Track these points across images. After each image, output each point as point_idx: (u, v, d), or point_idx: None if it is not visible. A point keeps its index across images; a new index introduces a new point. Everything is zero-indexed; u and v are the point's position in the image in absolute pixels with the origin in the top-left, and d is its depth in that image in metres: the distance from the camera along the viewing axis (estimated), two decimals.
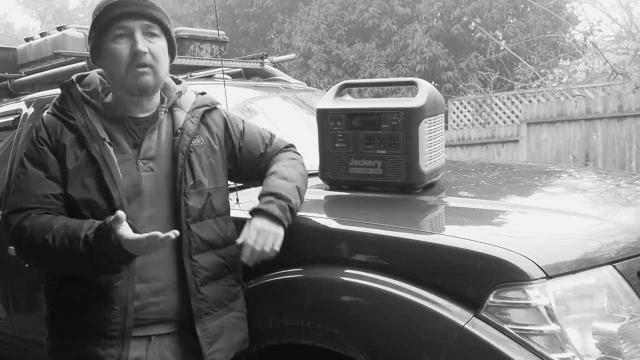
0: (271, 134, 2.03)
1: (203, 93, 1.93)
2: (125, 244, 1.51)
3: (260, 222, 1.73)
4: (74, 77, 1.82)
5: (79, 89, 1.77)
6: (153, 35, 1.71)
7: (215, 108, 1.91)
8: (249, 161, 1.95)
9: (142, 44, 1.68)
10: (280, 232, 1.74)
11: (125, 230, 1.51)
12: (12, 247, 2.57)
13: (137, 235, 1.50)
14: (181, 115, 1.81)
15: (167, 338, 1.74)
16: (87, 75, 1.84)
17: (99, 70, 1.83)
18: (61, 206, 1.69)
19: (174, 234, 1.49)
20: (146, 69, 1.69)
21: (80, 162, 1.68)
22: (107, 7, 1.69)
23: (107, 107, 1.75)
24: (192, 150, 1.77)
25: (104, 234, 1.53)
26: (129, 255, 1.55)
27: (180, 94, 1.85)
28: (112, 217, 1.52)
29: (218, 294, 1.77)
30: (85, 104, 1.75)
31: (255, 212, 1.76)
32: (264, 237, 1.71)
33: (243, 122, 1.99)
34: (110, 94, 1.79)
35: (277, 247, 1.73)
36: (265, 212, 1.74)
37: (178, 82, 1.90)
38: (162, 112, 1.79)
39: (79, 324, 1.69)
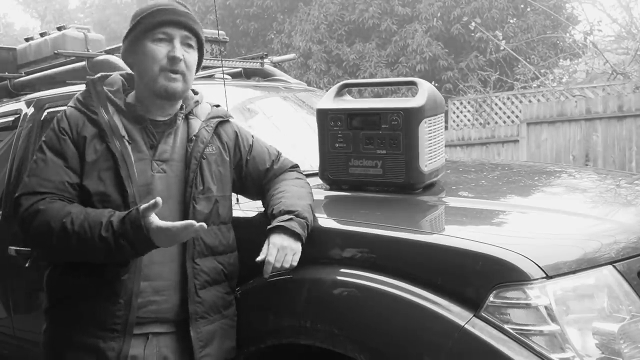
0: (278, 152, 2.07)
1: (217, 105, 2.00)
2: (154, 232, 1.54)
3: (280, 239, 1.75)
4: (98, 75, 1.89)
5: (104, 87, 1.84)
6: (190, 46, 1.81)
7: (228, 121, 1.97)
8: (253, 175, 1.99)
9: (180, 51, 1.77)
10: (299, 247, 1.77)
11: (155, 218, 1.55)
12: (12, 247, 2.57)
13: (169, 224, 1.54)
14: (196, 123, 1.87)
15: (165, 337, 1.76)
16: (110, 75, 1.90)
17: (122, 72, 1.91)
18: (75, 196, 1.73)
19: (205, 225, 1.54)
20: (178, 76, 1.77)
21: (99, 155, 1.74)
22: (155, 12, 1.77)
23: (128, 107, 1.81)
24: (204, 157, 1.83)
25: (134, 220, 1.57)
26: (151, 244, 1.58)
27: (197, 103, 1.92)
28: (145, 205, 1.55)
29: (214, 299, 1.80)
30: (108, 102, 1.81)
31: (274, 228, 1.78)
32: (283, 253, 1.74)
33: (252, 137, 2.04)
34: (130, 95, 1.85)
35: (294, 263, 1.75)
36: (287, 229, 1.76)
37: (195, 92, 1.96)
38: (180, 118, 1.85)
39: (80, 315, 1.72)
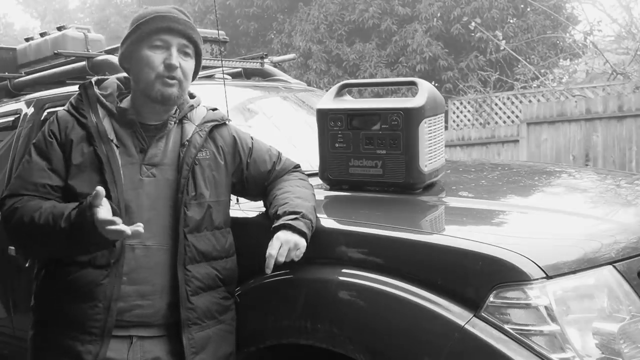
0: (279, 153, 2.07)
1: (215, 109, 1.99)
2: (100, 223, 1.54)
3: (284, 235, 1.75)
4: (92, 79, 1.90)
5: (96, 90, 1.85)
6: (187, 54, 1.81)
7: (224, 124, 1.96)
8: (255, 177, 1.98)
9: (176, 59, 1.77)
10: (303, 244, 1.76)
11: (101, 210, 1.54)
12: (12, 247, 2.57)
13: (107, 217, 1.53)
14: (190, 128, 1.87)
15: (151, 341, 1.75)
16: (107, 79, 1.91)
17: (118, 75, 1.92)
18: (57, 198, 1.74)
19: (139, 227, 1.53)
20: (174, 82, 1.77)
21: (85, 158, 1.74)
22: (154, 18, 1.78)
23: (120, 111, 1.82)
24: (197, 162, 1.82)
25: (82, 210, 1.58)
26: (102, 237, 1.57)
27: (192, 107, 1.91)
28: (92, 194, 1.55)
29: (208, 305, 1.80)
30: (99, 106, 1.82)
31: (280, 226, 1.77)
32: (287, 247, 1.73)
33: (252, 139, 2.03)
34: (126, 99, 1.86)
35: (296, 259, 1.74)
36: (294, 226, 1.76)
37: (192, 97, 1.96)
38: (172, 122, 1.85)
39: (61, 316, 1.73)
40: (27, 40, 3.77)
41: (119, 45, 1.93)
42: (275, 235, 1.75)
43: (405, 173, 2.11)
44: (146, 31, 1.77)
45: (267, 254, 1.71)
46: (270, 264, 1.70)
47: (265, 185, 2.00)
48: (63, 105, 1.91)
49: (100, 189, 1.53)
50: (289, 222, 1.76)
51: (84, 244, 1.64)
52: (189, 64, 1.82)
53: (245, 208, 2.06)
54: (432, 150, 2.20)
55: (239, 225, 1.94)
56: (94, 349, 1.67)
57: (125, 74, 1.91)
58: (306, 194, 1.93)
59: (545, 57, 12.02)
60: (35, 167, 1.75)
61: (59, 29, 3.56)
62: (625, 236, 1.75)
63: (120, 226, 1.53)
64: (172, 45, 1.77)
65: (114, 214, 1.60)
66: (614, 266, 1.61)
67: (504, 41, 11.17)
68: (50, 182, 1.73)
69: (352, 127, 2.18)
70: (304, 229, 1.76)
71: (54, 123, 1.81)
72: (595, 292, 1.59)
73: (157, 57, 1.76)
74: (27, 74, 3.46)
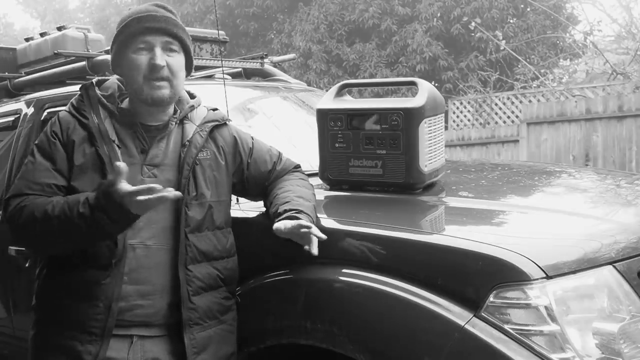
0: (279, 153, 2.07)
1: (215, 109, 1.99)
2: (126, 196, 1.53)
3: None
4: (93, 80, 1.90)
5: (97, 92, 1.85)
6: (172, 50, 1.80)
7: (225, 124, 1.96)
8: (255, 177, 1.98)
9: (160, 58, 1.76)
10: None
11: (124, 184, 1.54)
12: (12, 247, 2.57)
13: (136, 187, 1.53)
14: (191, 128, 1.87)
15: (152, 341, 1.75)
16: (108, 79, 1.91)
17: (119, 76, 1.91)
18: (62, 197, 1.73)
19: (174, 195, 1.52)
20: (163, 83, 1.77)
21: (87, 159, 1.75)
22: (132, 21, 1.78)
23: (121, 112, 1.82)
24: (197, 162, 1.82)
25: (104, 189, 1.56)
26: (126, 211, 1.56)
27: (192, 107, 1.91)
28: (112, 174, 1.54)
29: (210, 305, 1.79)
30: (100, 106, 1.82)
31: (283, 219, 1.76)
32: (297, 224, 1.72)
33: (252, 139, 2.03)
34: (126, 99, 1.86)
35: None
36: (297, 219, 1.74)
37: (193, 97, 1.96)
38: (173, 123, 1.85)
39: (62, 316, 1.72)
40: (27, 40, 3.77)
41: None
42: (285, 221, 1.73)
43: (405, 173, 2.11)
44: (127, 35, 1.78)
45: (308, 230, 1.69)
46: (313, 235, 1.69)
47: (266, 185, 2.00)
48: (63, 105, 1.91)
49: (122, 164, 1.53)
50: (292, 214, 1.76)
51: (105, 226, 1.60)
52: (177, 60, 1.80)
53: (245, 208, 2.06)
54: (432, 150, 2.20)
55: (239, 225, 1.94)
56: (94, 349, 1.67)
57: None
58: (307, 194, 1.93)
59: (545, 57, 12.03)
60: (40, 168, 1.75)
61: (59, 29, 3.56)
62: (625, 236, 1.75)
63: (159, 192, 1.51)
64: (155, 45, 1.77)
65: None
66: (614, 266, 1.61)
67: (504, 41, 11.17)
68: (56, 182, 1.73)
69: (352, 127, 2.18)
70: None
71: (56, 124, 1.80)
72: (595, 292, 1.59)
73: (142, 59, 1.76)
74: (27, 74, 3.46)
